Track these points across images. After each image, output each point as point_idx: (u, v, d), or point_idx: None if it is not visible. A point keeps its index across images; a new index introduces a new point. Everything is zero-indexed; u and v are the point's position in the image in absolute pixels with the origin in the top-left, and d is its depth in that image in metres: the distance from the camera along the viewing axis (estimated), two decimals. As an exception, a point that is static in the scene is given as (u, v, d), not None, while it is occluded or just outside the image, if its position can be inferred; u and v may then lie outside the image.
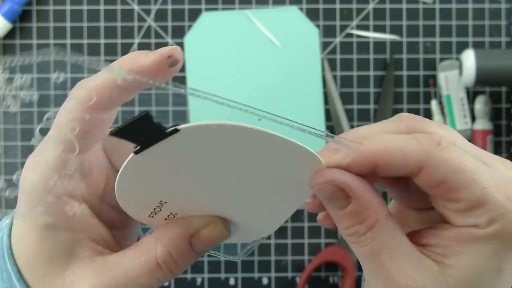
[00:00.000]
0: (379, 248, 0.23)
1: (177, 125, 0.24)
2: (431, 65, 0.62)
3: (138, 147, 0.24)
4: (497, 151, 0.61)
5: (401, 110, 0.61)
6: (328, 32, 0.61)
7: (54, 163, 0.26)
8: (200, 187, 0.25)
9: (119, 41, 0.61)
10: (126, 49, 0.61)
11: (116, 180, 0.25)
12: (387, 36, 0.61)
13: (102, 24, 0.61)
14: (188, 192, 0.26)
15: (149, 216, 0.27)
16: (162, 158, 0.25)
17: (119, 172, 0.25)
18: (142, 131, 0.24)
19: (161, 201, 0.26)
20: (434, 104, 0.61)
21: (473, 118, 0.61)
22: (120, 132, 0.24)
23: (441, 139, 0.23)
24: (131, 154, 0.25)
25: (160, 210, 0.26)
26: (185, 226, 0.26)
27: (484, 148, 0.60)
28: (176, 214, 0.27)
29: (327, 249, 0.60)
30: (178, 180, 0.25)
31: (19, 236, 0.28)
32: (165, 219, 0.27)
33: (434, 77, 0.62)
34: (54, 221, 0.27)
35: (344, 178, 0.23)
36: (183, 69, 0.61)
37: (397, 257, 0.23)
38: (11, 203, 0.61)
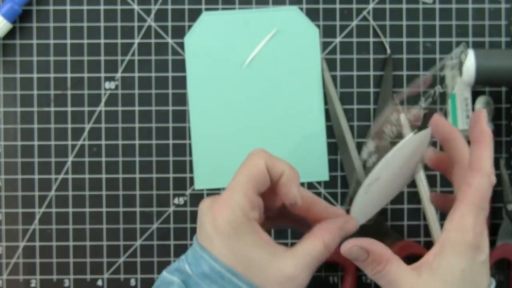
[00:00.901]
0: (394, 276, 0.39)
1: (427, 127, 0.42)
2: (431, 65, 0.62)
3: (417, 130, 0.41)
4: (497, 151, 0.61)
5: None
6: (328, 32, 0.61)
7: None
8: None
9: (119, 41, 0.61)
10: (126, 49, 0.61)
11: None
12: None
13: (102, 24, 0.61)
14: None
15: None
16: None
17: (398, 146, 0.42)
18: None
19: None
20: (402, 117, 0.61)
21: (473, 118, 0.61)
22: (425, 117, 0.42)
23: None
24: (411, 134, 0.42)
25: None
26: (336, 222, 0.43)
27: (484, 148, 0.60)
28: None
29: None
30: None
31: (241, 250, 0.40)
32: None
33: (434, 77, 0.62)
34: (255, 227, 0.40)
35: (361, 241, 0.39)
36: (183, 69, 0.61)
37: (403, 276, 0.39)
38: (11, 203, 0.61)
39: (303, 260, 0.39)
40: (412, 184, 0.61)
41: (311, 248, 0.39)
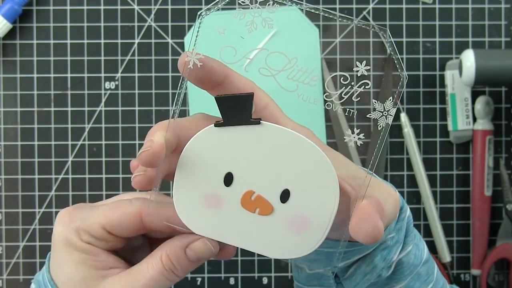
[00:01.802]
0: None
1: (260, 119, 0.33)
2: (431, 65, 0.62)
3: (221, 121, 0.32)
4: (497, 151, 0.62)
5: (400, 110, 0.61)
6: (328, 32, 0.61)
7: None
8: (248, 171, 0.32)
9: (119, 41, 0.61)
10: (126, 49, 0.61)
11: (185, 148, 0.33)
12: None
13: (102, 24, 0.61)
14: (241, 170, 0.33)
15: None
16: (232, 138, 0.32)
17: (191, 140, 0.33)
18: (235, 108, 0.32)
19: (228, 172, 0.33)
20: (403, 117, 0.61)
21: (474, 119, 0.61)
22: (223, 99, 0.33)
23: None
24: (211, 125, 0.32)
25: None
26: (182, 239, 0.35)
27: (483, 148, 0.60)
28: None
29: None
30: (235, 160, 0.32)
31: (58, 271, 0.37)
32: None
33: (434, 77, 0.62)
34: (86, 256, 0.36)
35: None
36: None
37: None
38: (11, 203, 0.61)
39: (130, 285, 0.35)
40: (412, 184, 0.61)
41: (144, 271, 0.35)
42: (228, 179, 0.32)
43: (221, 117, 0.32)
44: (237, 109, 0.33)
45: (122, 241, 0.37)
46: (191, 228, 0.34)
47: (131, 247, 0.40)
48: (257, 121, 0.32)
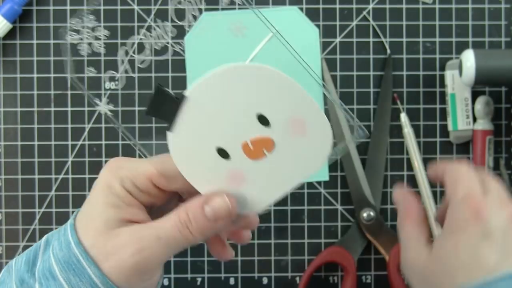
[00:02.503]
0: (405, 237, 0.44)
1: (184, 91, 0.32)
2: (431, 65, 0.62)
3: (168, 124, 0.32)
4: (497, 151, 0.62)
5: (400, 110, 0.61)
6: (328, 32, 0.61)
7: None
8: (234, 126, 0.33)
9: (119, 41, 0.61)
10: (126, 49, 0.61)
11: (172, 154, 0.34)
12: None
13: (102, 24, 0.61)
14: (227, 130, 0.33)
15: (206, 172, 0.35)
16: (192, 121, 0.32)
17: (171, 149, 0.34)
18: (163, 105, 0.32)
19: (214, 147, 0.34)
20: (403, 117, 0.61)
21: (474, 119, 0.61)
22: (149, 112, 0.32)
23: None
24: (168, 133, 0.33)
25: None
26: (202, 197, 0.36)
27: (483, 148, 0.60)
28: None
29: (327, 249, 0.60)
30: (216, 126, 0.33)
31: (88, 207, 0.37)
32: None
33: (434, 77, 0.62)
34: (120, 203, 0.36)
35: (404, 194, 0.46)
36: (183, 69, 0.61)
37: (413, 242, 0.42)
38: (11, 203, 0.61)
39: (144, 232, 0.35)
40: (412, 184, 0.61)
41: (161, 223, 0.36)
42: (223, 154, 0.34)
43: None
44: (163, 104, 0.33)
45: (162, 198, 0.38)
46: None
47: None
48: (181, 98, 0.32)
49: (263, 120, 0.32)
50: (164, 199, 0.39)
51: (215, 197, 0.35)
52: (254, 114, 0.32)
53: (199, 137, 0.33)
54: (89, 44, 0.32)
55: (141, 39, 0.53)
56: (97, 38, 0.32)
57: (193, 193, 0.37)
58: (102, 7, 0.61)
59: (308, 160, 0.33)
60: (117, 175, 0.36)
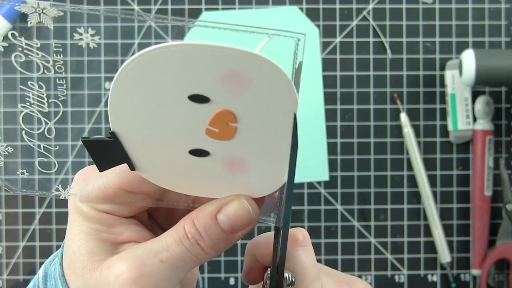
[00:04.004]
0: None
1: (109, 129, 0.27)
2: (431, 65, 0.62)
3: (127, 163, 0.28)
4: (497, 151, 0.61)
5: (400, 110, 0.61)
6: (328, 32, 0.61)
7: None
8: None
9: (119, 41, 0.61)
10: (126, 49, 0.61)
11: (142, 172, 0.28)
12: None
13: (102, 24, 0.61)
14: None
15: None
16: (142, 145, 0.27)
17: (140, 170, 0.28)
18: (105, 154, 0.28)
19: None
20: (403, 117, 0.61)
21: (474, 118, 0.61)
22: (101, 168, 0.28)
23: None
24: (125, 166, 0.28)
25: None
26: (213, 204, 0.28)
27: (483, 148, 0.60)
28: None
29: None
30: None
31: (67, 243, 0.30)
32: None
33: (434, 77, 0.62)
34: (97, 226, 0.29)
35: None
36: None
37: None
38: (11, 203, 0.61)
39: (140, 255, 0.28)
40: (412, 184, 0.61)
41: (161, 240, 0.28)
42: (198, 153, 0.27)
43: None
44: (108, 151, 0.28)
45: (149, 200, 0.30)
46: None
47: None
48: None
49: (198, 99, 0.26)
50: (153, 199, 0.31)
51: (230, 202, 0.27)
52: (186, 98, 0.26)
53: (162, 155, 0.27)
54: (88, 44, 0.30)
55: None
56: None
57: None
58: (102, 7, 0.61)
59: (277, 98, 0.26)
60: (84, 195, 0.30)
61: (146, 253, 0.27)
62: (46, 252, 0.61)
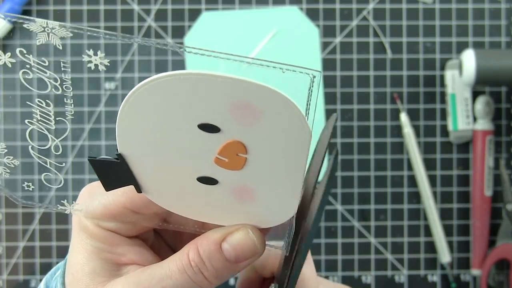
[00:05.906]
0: None
1: (117, 151, 0.27)
2: (431, 65, 0.62)
3: (134, 185, 0.27)
4: (497, 151, 0.61)
5: (400, 110, 0.61)
6: (328, 32, 0.61)
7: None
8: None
9: (119, 41, 0.61)
10: (126, 49, 0.61)
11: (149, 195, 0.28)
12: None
13: (102, 24, 0.61)
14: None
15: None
16: (151, 169, 0.27)
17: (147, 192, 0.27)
18: (111, 174, 0.27)
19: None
20: (403, 117, 0.61)
21: (475, 118, 0.61)
22: (107, 187, 0.27)
23: None
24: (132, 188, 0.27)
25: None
26: (219, 231, 0.28)
27: (483, 148, 0.60)
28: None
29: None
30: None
31: (70, 260, 0.30)
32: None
33: (434, 77, 0.62)
34: (100, 245, 0.29)
35: None
36: (183, 69, 0.61)
37: None
38: (11, 203, 0.61)
39: (142, 281, 0.28)
40: (412, 184, 0.61)
41: (164, 267, 0.28)
42: (207, 181, 0.27)
43: None
44: (114, 172, 0.27)
45: (156, 221, 0.30)
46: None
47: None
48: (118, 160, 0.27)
49: (208, 128, 0.26)
50: (159, 220, 0.31)
51: (235, 231, 0.27)
52: (195, 126, 0.26)
53: (169, 180, 0.27)
54: (90, 60, 0.29)
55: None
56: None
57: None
58: (102, 7, 0.61)
59: (289, 132, 0.25)
60: (89, 212, 0.29)
61: (149, 279, 0.27)
62: (46, 252, 0.61)
